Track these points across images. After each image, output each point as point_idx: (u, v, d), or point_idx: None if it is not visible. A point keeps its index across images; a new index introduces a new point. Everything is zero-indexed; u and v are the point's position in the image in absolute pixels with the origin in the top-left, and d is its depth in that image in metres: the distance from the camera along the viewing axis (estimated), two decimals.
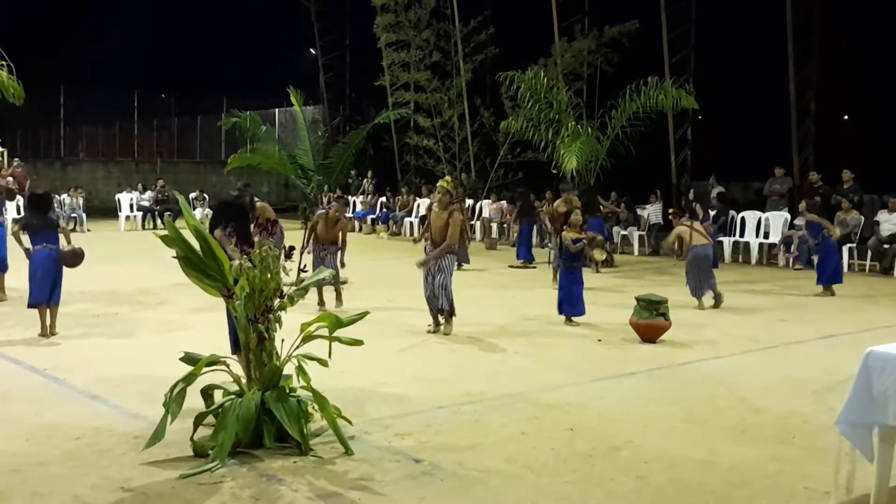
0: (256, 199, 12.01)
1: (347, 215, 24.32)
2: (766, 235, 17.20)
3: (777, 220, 17.18)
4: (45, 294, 8.75)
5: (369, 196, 25.83)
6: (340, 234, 11.05)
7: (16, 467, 5.01)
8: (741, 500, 4.73)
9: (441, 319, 9.40)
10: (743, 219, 17.70)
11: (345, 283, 12.39)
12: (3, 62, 10.80)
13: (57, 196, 22.93)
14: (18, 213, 19.28)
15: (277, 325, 5.61)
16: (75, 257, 8.89)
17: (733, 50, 23.59)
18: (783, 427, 6.09)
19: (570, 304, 10.10)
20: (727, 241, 17.63)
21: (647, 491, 4.82)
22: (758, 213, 17.42)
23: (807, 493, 4.82)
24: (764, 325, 10.32)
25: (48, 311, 8.85)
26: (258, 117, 27.97)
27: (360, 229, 24.96)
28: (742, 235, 17.67)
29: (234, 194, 8.12)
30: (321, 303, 10.73)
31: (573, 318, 10.07)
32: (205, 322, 8.62)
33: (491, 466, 5.15)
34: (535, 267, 15.74)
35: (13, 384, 7.01)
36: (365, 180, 26.23)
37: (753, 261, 16.88)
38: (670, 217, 12.35)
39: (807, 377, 7.59)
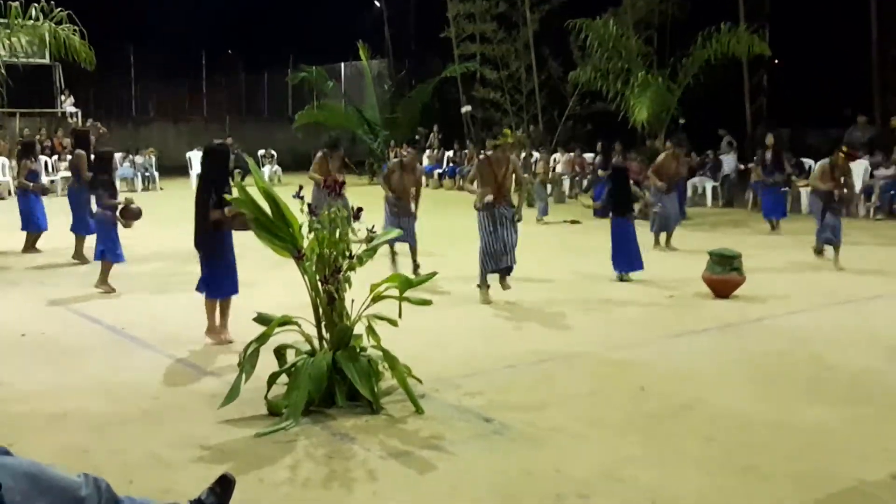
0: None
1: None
2: None
3: (857, 169, 16.58)
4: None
5: (435, 150, 25.78)
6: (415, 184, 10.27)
7: (97, 426, 5.18)
8: (814, 461, 4.63)
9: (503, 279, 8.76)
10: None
11: None
12: (76, 27, 10.99)
13: (129, 155, 23.47)
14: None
15: (347, 285, 5.67)
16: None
17: None
18: (858, 385, 5.96)
19: (626, 259, 9.83)
20: (804, 191, 17.15)
21: (717, 451, 4.77)
22: None
23: (886, 454, 4.70)
24: (841, 278, 10.06)
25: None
26: (325, 72, 28.06)
27: (427, 184, 24.97)
28: None
29: (218, 142, 7.93)
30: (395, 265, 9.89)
31: (629, 275, 9.83)
32: (275, 280, 8.74)
33: (560, 425, 5.15)
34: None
35: (93, 342, 7.25)
36: (431, 134, 26.18)
37: None
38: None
39: (884, 332, 7.41)
